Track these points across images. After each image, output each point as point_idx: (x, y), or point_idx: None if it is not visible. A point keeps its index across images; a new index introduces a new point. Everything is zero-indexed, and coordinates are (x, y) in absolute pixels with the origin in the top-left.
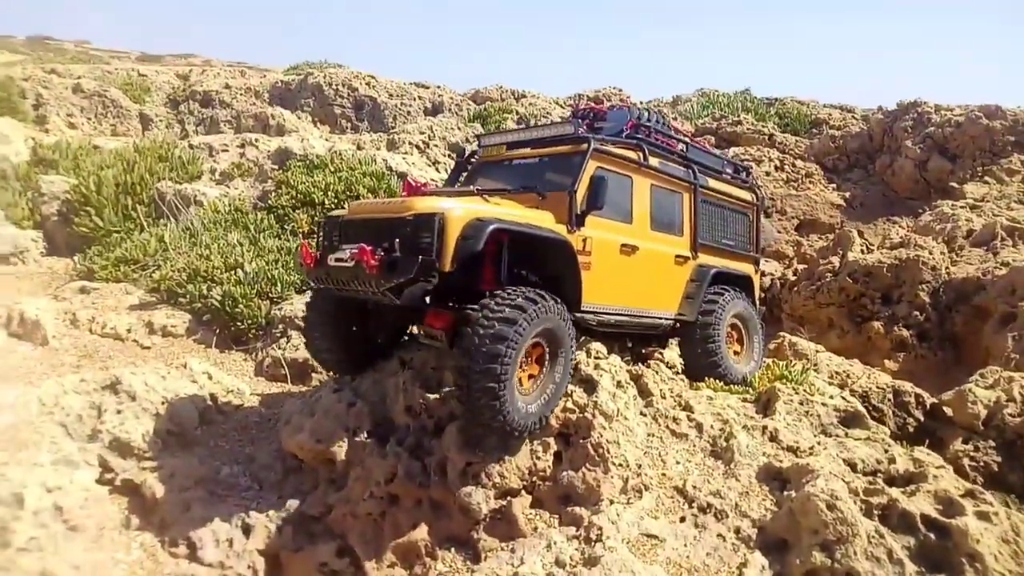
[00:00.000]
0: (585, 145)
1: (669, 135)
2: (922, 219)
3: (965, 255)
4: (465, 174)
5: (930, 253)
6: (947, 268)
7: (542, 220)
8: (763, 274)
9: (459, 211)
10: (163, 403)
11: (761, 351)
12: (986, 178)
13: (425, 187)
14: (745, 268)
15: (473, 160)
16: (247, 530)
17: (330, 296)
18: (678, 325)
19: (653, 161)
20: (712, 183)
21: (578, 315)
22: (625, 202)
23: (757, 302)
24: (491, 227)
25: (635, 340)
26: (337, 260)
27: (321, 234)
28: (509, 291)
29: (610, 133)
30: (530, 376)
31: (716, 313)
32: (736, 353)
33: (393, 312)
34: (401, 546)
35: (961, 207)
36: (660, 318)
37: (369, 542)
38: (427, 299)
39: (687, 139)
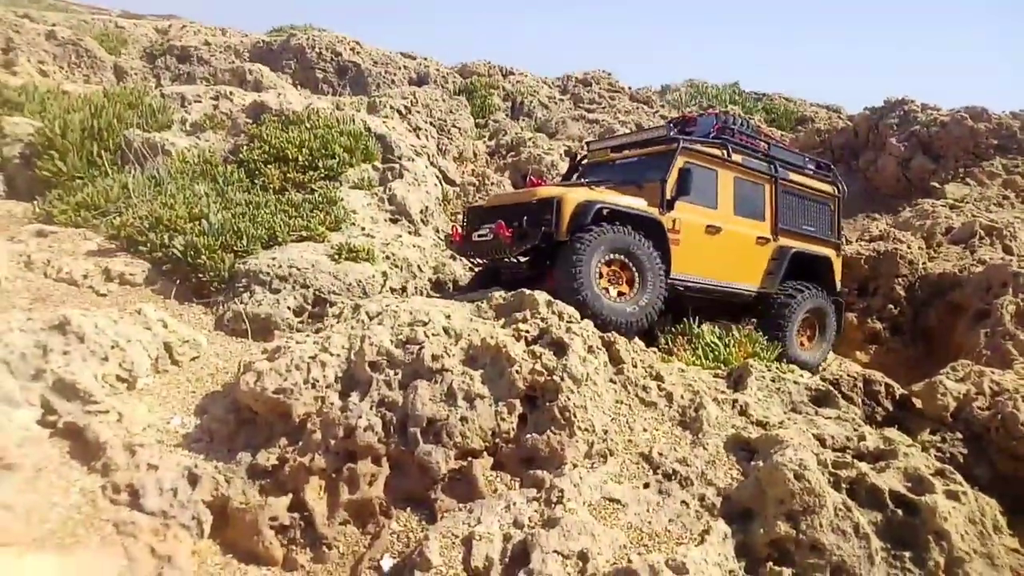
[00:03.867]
0: (675, 144)
1: (753, 136)
2: (902, 215)
3: (943, 252)
4: (576, 174)
5: (908, 248)
6: (924, 263)
7: (638, 204)
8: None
9: (573, 195)
10: (113, 347)
11: (831, 342)
12: (967, 179)
13: (545, 181)
14: (824, 251)
15: (583, 163)
16: (193, 480)
17: (485, 272)
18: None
19: (736, 157)
20: (793, 176)
21: (669, 282)
22: (711, 191)
23: (838, 282)
24: (597, 206)
25: (724, 315)
26: (479, 236)
27: (465, 219)
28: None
29: (699, 135)
30: (620, 293)
31: (796, 299)
32: (805, 343)
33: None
34: (355, 503)
35: (941, 205)
36: (744, 290)
37: (322, 498)
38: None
39: (771, 139)
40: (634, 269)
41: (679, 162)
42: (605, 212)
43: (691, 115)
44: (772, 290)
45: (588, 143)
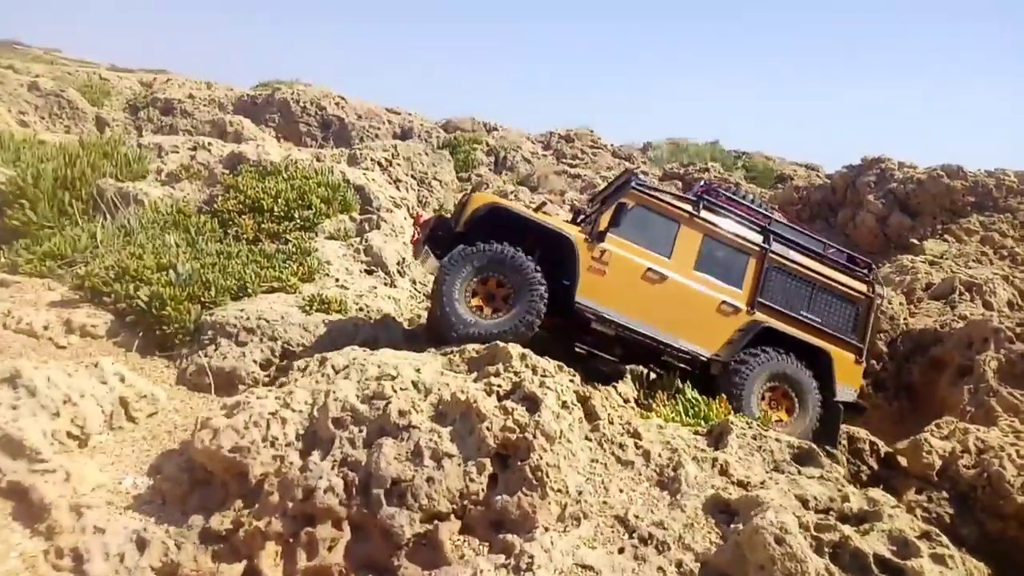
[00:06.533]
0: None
1: (747, 205)
2: (881, 271)
3: (924, 307)
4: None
5: (889, 303)
6: (905, 319)
7: (559, 224)
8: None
9: (483, 196)
10: (65, 402)
11: (811, 424)
12: (945, 236)
13: None
14: (824, 345)
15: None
16: (142, 545)
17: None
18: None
19: (711, 217)
20: (797, 257)
21: (577, 304)
22: (667, 239)
23: (841, 387)
24: (493, 205)
25: (671, 367)
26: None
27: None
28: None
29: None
30: (494, 311)
31: (748, 364)
32: (780, 420)
33: None
34: (313, 571)
35: (920, 261)
36: (689, 350)
37: (278, 565)
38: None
39: (773, 216)
40: (505, 283)
41: (621, 198)
42: (519, 221)
43: (693, 183)
44: (726, 359)
45: (590, 199)
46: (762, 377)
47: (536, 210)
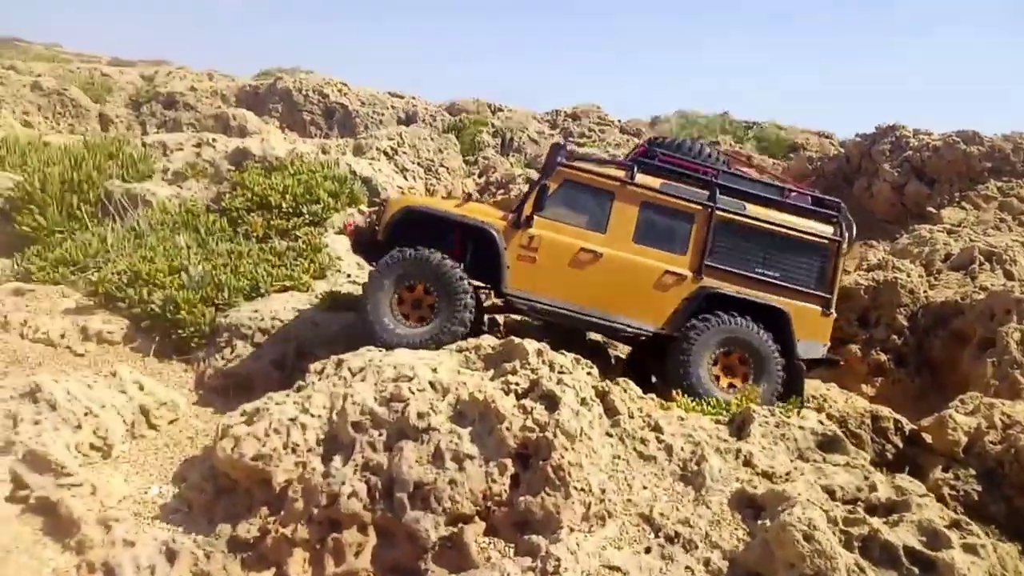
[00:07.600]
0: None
1: (689, 160)
2: (900, 242)
3: (943, 279)
4: None
5: (908, 276)
6: (925, 292)
7: (480, 216)
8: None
9: (397, 200)
10: (87, 414)
11: (775, 390)
12: (963, 203)
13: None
14: (780, 302)
15: None
16: (171, 556)
17: None
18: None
19: (651, 181)
20: (751, 209)
21: (508, 297)
22: (600, 214)
23: (796, 339)
24: (407, 208)
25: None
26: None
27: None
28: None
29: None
30: (420, 318)
31: (692, 335)
32: (731, 386)
33: None
34: None
35: (939, 231)
36: (632, 326)
37: (307, 572)
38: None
39: (722, 167)
40: (432, 291)
41: (545, 179)
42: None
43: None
44: (671, 331)
45: None
46: (710, 347)
47: (464, 203)
